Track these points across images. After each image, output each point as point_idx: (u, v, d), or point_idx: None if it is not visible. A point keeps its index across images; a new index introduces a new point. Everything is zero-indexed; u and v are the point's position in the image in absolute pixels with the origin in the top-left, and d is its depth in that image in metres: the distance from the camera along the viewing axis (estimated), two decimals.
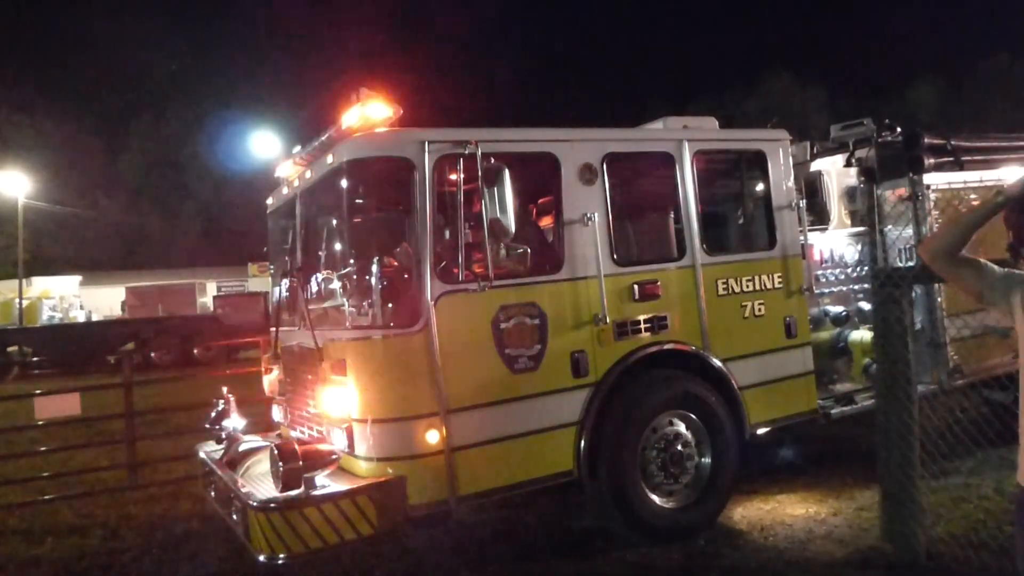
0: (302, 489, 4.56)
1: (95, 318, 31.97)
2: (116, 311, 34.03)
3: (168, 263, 47.14)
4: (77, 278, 38.33)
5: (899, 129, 7.07)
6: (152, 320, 26.89)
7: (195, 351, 24.48)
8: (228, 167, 45.52)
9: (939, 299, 6.93)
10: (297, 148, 6.14)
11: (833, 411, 6.55)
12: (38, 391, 8.91)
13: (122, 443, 8.59)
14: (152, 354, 23.81)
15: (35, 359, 24.57)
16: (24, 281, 32.47)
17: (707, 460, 5.78)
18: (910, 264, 6.64)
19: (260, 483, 5.09)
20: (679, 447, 5.66)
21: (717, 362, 5.87)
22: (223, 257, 45.61)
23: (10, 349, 24.51)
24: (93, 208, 48.09)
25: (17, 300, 31.00)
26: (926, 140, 7.02)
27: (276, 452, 4.59)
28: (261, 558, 4.52)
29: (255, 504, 4.58)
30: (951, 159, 7.28)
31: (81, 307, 34.32)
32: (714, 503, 5.81)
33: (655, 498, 5.57)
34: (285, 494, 4.54)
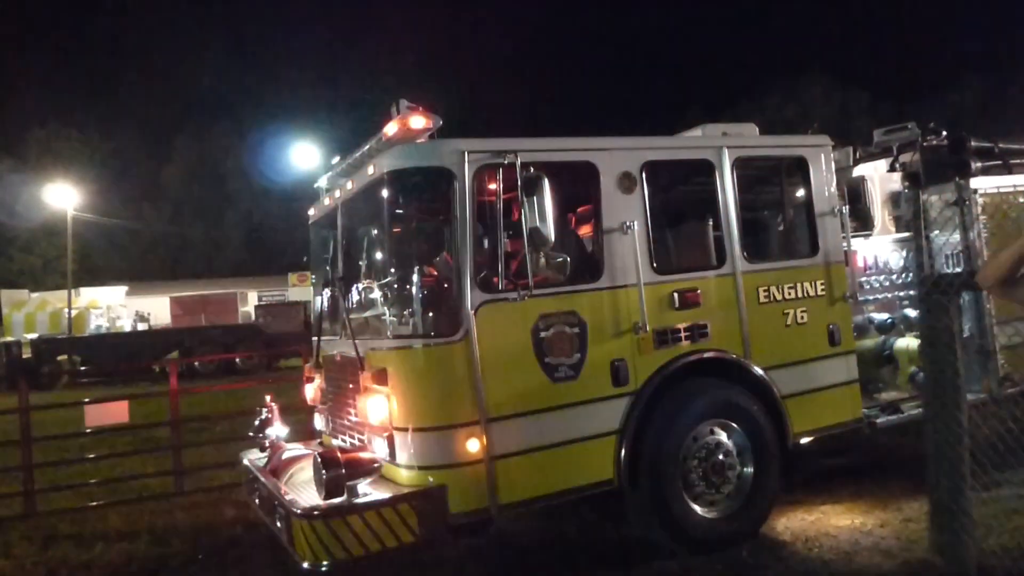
0: (345, 497, 4.61)
1: (141, 327, 32.66)
2: (163, 320, 34.72)
3: (211, 273, 48.07)
4: (123, 288, 39.26)
5: (944, 133, 6.95)
6: (195, 329, 27.40)
7: (237, 360, 24.87)
8: (269, 179, 46.34)
9: (988, 306, 6.78)
10: (336, 159, 6.23)
11: (878, 420, 6.43)
12: (87, 399, 9.13)
13: (168, 450, 8.77)
14: (196, 363, 24.26)
15: (83, 367, 25.17)
16: (72, 291, 33.32)
17: (749, 470, 5.71)
18: (957, 270, 6.51)
19: (303, 491, 5.15)
20: (720, 456, 5.60)
21: (759, 370, 5.80)
22: (264, 267, 46.40)
23: (60, 358, 25.16)
24: (139, 220, 49.22)
25: (66, 310, 31.84)
26: (972, 143, 6.89)
27: (319, 460, 4.65)
28: (305, 565, 4.58)
29: (299, 511, 4.64)
30: (999, 163, 7.14)
31: (126, 316, 35.04)
32: (757, 513, 5.73)
33: (696, 508, 5.51)
34: (328, 502, 4.59)
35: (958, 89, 47.37)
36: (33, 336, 28.68)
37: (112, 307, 35.16)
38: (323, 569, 4.55)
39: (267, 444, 6.23)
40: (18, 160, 47.14)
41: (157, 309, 36.86)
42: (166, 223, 52.00)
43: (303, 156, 25.77)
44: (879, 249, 7.12)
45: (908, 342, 6.81)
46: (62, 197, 35.93)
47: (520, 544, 6.15)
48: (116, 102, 55.17)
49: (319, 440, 6.54)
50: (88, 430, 8.71)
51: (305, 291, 34.38)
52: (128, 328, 32.33)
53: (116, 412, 8.37)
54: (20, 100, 50.94)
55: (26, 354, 25.37)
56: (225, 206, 54.43)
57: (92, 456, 9.53)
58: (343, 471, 4.61)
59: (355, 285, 5.96)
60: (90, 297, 36.03)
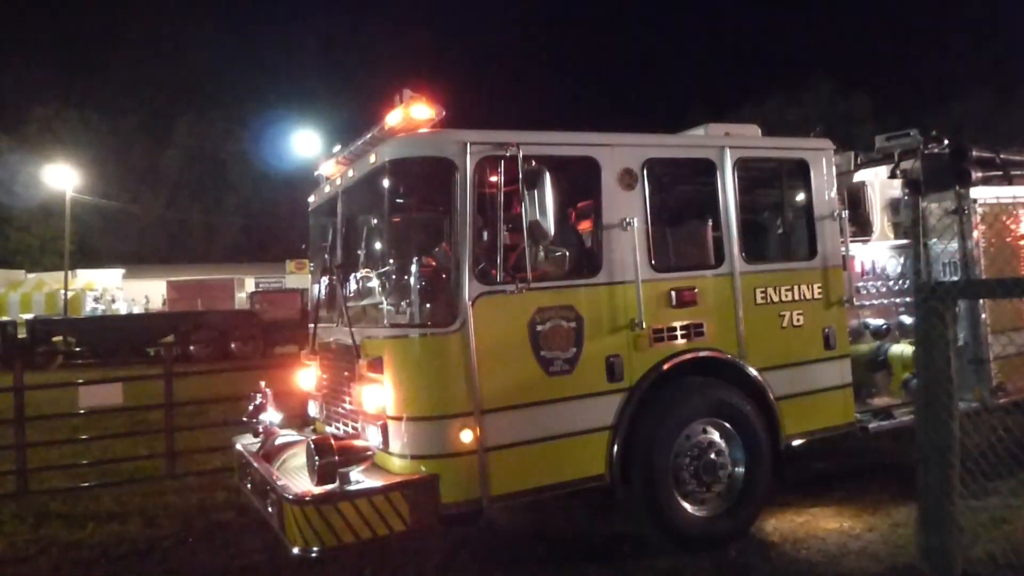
0: (337, 484, 4.62)
1: (136, 310, 32.67)
2: (157, 305, 34.69)
3: (208, 258, 48.00)
4: (120, 271, 39.15)
5: (946, 141, 6.96)
6: (191, 314, 27.37)
7: (232, 345, 24.87)
8: (269, 165, 46.27)
9: (983, 315, 6.80)
10: (338, 147, 6.23)
11: (871, 425, 6.45)
12: (80, 380, 9.13)
13: (161, 433, 8.77)
14: (191, 347, 24.23)
15: (77, 349, 25.13)
16: (69, 273, 33.23)
17: (740, 470, 5.73)
18: (954, 278, 6.53)
19: (296, 476, 5.16)
20: (712, 455, 5.62)
21: (753, 371, 5.82)
22: (261, 254, 46.35)
23: (55, 339, 25.11)
24: (137, 203, 49.10)
25: (62, 291, 31.77)
26: (974, 153, 6.90)
27: (312, 446, 4.66)
28: (295, 550, 4.59)
29: (290, 497, 4.65)
30: (1000, 173, 7.16)
31: (128, 299, 34.98)
32: (746, 513, 5.76)
33: (687, 505, 5.54)
34: (320, 488, 4.60)
35: (961, 99, 47.38)
36: (29, 316, 28.60)
37: (108, 289, 35.07)
38: (313, 555, 4.57)
39: (260, 429, 6.23)
40: (17, 140, 46.97)
41: (153, 293, 36.84)
42: (164, 207, 51.88)
43: (303, 143, 25.74)
44: (877, 255, 7.14)
45: (903, 348, 6.84)
46: (61, 178, 35.79)
47: (509, 536, 6.18)
48: (117, 84, 55.00)
49: (312, 427, 6.54)
50: (81, 411, 8.71)
51: (303, 278, 34.35)
52: (125, 311, 32.31)
53: (110, 393, 8.39)
54: (20, 79, 50.77)
55: (21, 334, 25.31)
56: (224, 191, 54.28)
57: (85, 437, 9.54)
58: (336, 458, 4.62)
59: (353, 273, 5.96)
60: (87, 279, 35.92)
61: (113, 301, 33.81)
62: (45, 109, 49.96)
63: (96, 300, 32.62)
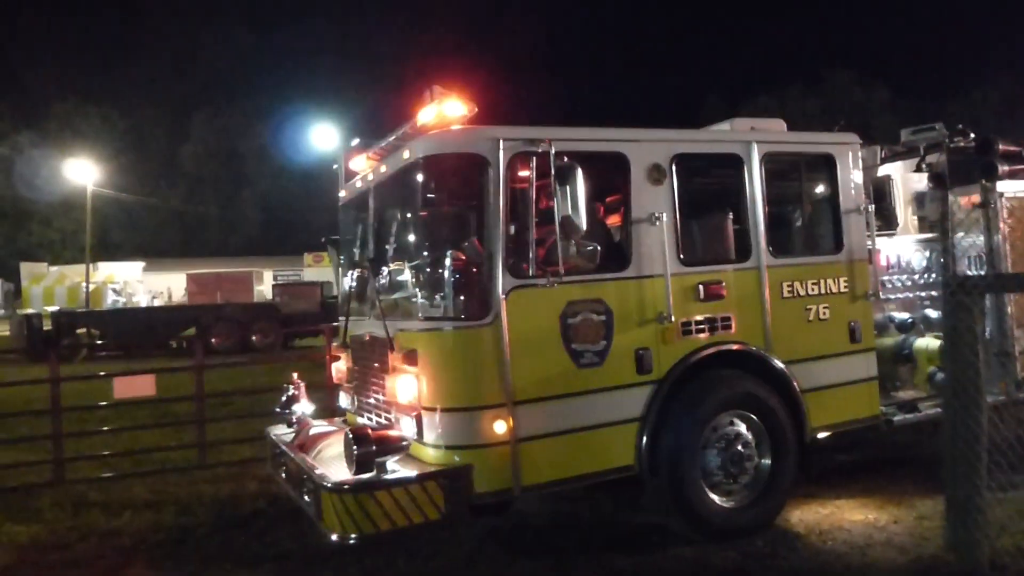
0: (374, 472, 4.72)
1: (156, 303, 33.02)
2: (177, 297, 35.05)
3: (226, 251, 48.39)
4: (140, 264, 39.57)
5: (972, 135, 6.97)
6: (212, 307, 27.60)
7: (253, 338, 25.08)
8: (287, 159, 46.56)
9: (1009, 309, 6.82)
10: (356, 141, 6.33)
11: (895, 418, 6.50)
12: (102, 372, 9.27)
13: (190, 424, 8.92)
14: (212, 339, 24.45)
15: (100, 341, 25.40)
16: (90, 266, 33.65)
17: (767, 461, 5.79)
18: (981, 272, 6.55)
19: (331, 466, 5.25)
20: (739, 447, 5.69)
21: (779, 364, 5.88)
22: (279, 247, 46.66)
23: (79, 331, 25.40)
24: (157, 197, 49.54)
25: (84, 284, 32.18)
26: (1000, 146, 6.90)
27: (350, 436, 4.76)
28: (333, 537, 4.70)
29: (329, 485, 4.75)
30: None
31: (151, 292, 35.38)
32: (772, 504, 5.83)
33: (714, 496, 5.61)
34: (358, 476, 4.70)
35: (986, 89, 46.83)
36: (53, 309, 28.96)
37: (129, 282, 35.49)
38: (351, 542, 4.68)
39: (294, 420, 6.36)
40: (39, 135, 47.53)
41: (173, 285, 37.22)
42: (183, 200, 52.35)
43: (321, 137, 25.86)
44: (902, 248, 7.15)
45: (928, 342, 6.86)
46: (82, 172, 36.19)
47: (536, 526, 6.26)
48: (136, 79, 55.48)
49: (343, 418, 6.66)
50: (105, 403, 8.86)
51: (320, 271, 34.58)
52: (145, 303, 32.68)
53: (143, 385, 8.55)
54: (42, 75, 51.30)
55: (46, 326, 25.63)
56: (242, 185, 54.70)
57: (109, 428, 9.66)
58: (373, 448, 4.72)
59: (385, 267, 6.06)
60: (107, 272, 36.35)
61: (133, 295, 34.20)
62: (66, 105, 50.50)
63: (116, 292, 32.99)
